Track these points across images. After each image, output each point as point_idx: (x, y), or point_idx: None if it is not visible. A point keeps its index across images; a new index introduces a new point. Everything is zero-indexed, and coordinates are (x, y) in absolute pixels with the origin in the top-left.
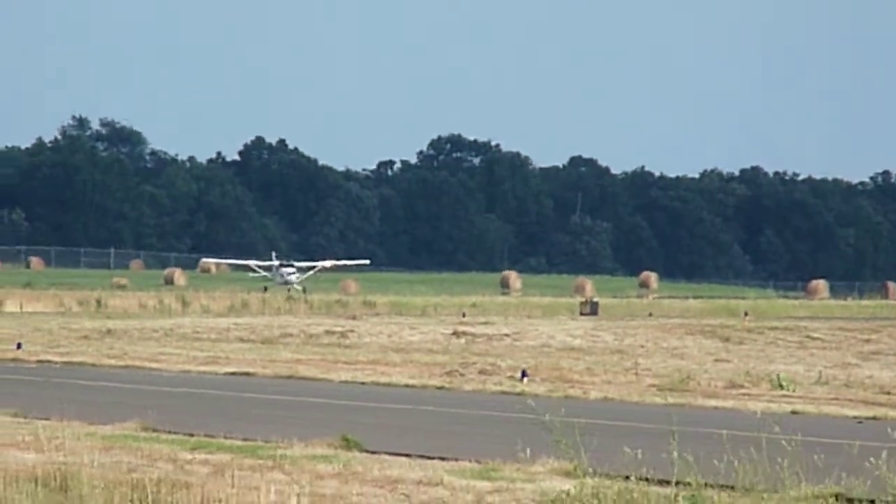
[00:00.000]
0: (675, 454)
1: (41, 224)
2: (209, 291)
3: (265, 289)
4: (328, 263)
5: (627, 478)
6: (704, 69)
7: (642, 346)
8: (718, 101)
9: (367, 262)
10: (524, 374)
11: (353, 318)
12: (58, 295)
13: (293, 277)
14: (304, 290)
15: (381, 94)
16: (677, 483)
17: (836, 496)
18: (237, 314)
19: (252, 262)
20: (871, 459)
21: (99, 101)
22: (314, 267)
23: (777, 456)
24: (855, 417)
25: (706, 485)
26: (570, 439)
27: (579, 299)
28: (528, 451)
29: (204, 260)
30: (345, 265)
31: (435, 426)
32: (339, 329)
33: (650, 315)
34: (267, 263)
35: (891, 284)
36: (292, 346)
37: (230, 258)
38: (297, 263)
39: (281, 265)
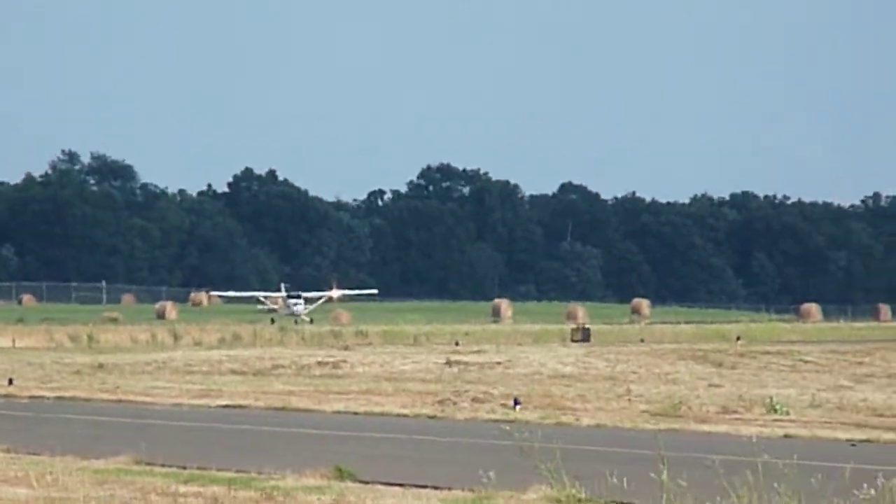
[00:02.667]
0: (665, 479)
1: (32, 259)
2: (201, 324)
3: (272, 320)
4: (336, 293)
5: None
6: (693, 94)
7: (634, 373)
8: (708, 127)
9: (375, 291)
10: (517, 401)
11: (346, 348)
12: (49, 330)
13: (300, 308)
14: (312, 321)
15: (369, 125)
16: None
17: None
18: (229, 346)
19: (260, 294)
20: (864, 484)
21: (89, 136)
22: (321, 297)
23: (771, 481)
24: (848, 440)
25: None
26: (556, 465)
27: (571, 326)
28: (523, 476)
29: (211, 293)
30: (352, 295)
31: (428, 455)
32: (331, 359)
33: (642, 341)
34: (275, 294)
35: (882, 307)
36: (284, 378)
37: (234, 291)
38: (304, 294)
39: (289, 296)
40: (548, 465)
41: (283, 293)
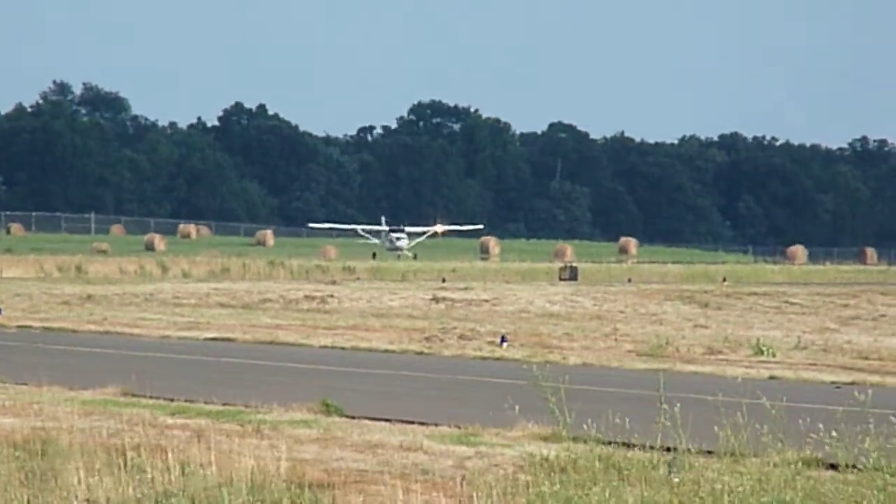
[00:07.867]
0: (662, 419)
1: (21, 189)
2: (189, 256)
3: (374, 255)
4: (440, 228)
5: (609, 443)
6: (683, 34)
7: (621, 312)
8: (698, 67)
9: (481, 226)
10: (503, 339)
11: (333, 283)
12: (38, 260)
13: (403, 243)
14: (415, 257)
15: (361, 60)
16: (655, 448)
17: (817, 461)
18: (217, 279)
19: (359, 228)
20: (848, 425)
21: (81, 68)
22: (426, 232)
23: (755, 421)
24: (833, 382)
25: (686, 450)
26: (551, 403)
27: (558, 265)
28: (509, 414)
29: (313, 225)
30: (457, 230)
31: (415, 391)
32: (318, 294)
33: (629, 280)
34: (376, 228)
35: (868, 250)
36: (272, 312)
37: (334, 223)
38: (407, 228)
39: (390, 230)
40: (555, 402)
41: (385, 227)
